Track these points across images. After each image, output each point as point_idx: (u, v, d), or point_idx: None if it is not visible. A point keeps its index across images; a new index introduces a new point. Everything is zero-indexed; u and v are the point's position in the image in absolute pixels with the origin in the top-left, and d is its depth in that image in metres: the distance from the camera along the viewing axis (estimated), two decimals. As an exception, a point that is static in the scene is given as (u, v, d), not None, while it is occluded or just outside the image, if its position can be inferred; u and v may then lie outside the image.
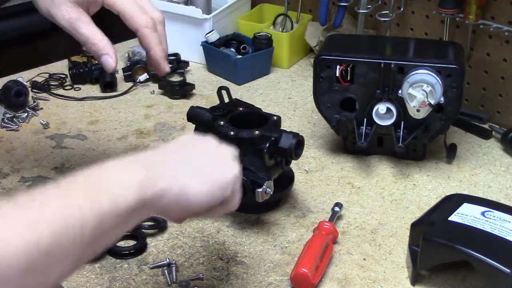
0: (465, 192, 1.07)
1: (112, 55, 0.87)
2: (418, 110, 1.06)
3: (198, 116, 1.02)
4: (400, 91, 1.07)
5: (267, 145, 0.95)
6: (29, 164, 1.15)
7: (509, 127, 1.21)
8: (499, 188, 1.09)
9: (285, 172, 1.02)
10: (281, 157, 0.97)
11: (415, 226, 0.91)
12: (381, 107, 1.08)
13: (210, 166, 0.72)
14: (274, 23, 1.56)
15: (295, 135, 0.95)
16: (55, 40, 2.00)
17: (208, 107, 1.04)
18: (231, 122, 0.99)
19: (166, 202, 0.65)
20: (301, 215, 1.03)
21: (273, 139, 0.95)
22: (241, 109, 1.04)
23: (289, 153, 0.95)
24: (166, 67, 0.91)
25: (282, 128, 1.01)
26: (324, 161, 1.17)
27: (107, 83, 1.41)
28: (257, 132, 0.96)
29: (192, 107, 1.04)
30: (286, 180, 1.03)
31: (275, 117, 1.01)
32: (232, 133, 0.96)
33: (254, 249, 0.96)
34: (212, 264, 0.93)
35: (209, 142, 0.76)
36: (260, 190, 0.92)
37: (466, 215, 0.88)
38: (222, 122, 0.99)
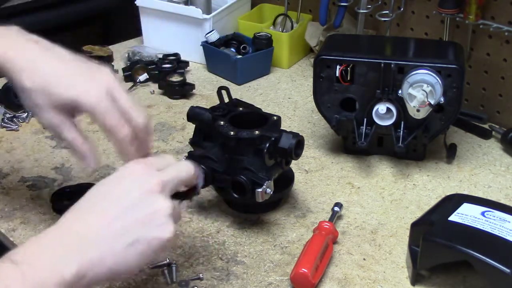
0: (465, 192, 1.07)
1: (92, 159, 0.85)
2: (418, 110, 1.05)
3: (198, 116, 1.02)
4: (400, 91, 1.07)
5: (267, 145, 0.95)
6: (29, 164, 1.15)
7: (509, 127, 1.21)
8: (499, 188, 1.10)
9: (285, 172, 1.02)
10: (281, 157, 0.97)
11: (415, 226, 0.91)
12: (381, 107, 1.08)
13: (143, 229, 0.69)
14: (274, 23, 1.56)
15: (295, 135, 0.96)
16: (55, 40, 2.00)
17: (208, 107, 1.04)
18: (231, 122, 0.99)
19: (97, 281, 0.67)
20: (301, 215, 1.03)
21: (273, 139, 0.95)
22: (241, 109, 1.04)
23: (289, 153, 0.95)
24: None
25: (282, 128, 1.01)
26: (324, 161, 1.17)
27: (107, 83, 1.41)
28: (257, 132, 0.96)
29: (192, 107, 1.04)
30: (286, 180, 1.03)
31: (275, 117, 1.01)
32: (232, 133, 0.96)
33: (254, 249, 0.96)
34: (212, 264, 0.93)
35: (143, 195, 0.71)
36: (260, 190, 0.92)
37: (466, 215, 0.88)
38: (222, 122, 0.99)
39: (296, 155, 0.96)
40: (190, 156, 0.99)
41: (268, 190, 0.93)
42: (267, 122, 1.00)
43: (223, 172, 0.96)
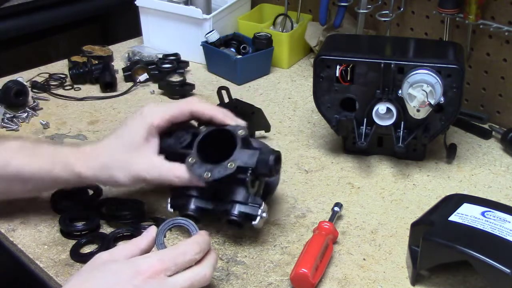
0: (465, 192, 1.07)
1: None
2: (418, 110, 1.06)
3: (169, 148, 0.95)
4: (400, 91, 1.07)
5: (248, 175, 0.90)
6: (29, 164, 1.15)
7: (509, 127, 1.21)
8: (499, 188, 1.10)
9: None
10: (263, 178, 0.93)
11: (415, 226, 0.91)
12: (381, 107, 1.08)
13: None
14: (274, 23, 1.56)
15: (269, 156, 0.90)
16: (55, 40, 2.01)
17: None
18: (200, 150, 0.93)
19: None
20: (301, 215, 1.03)
21: (250, 169, 0.90)
22: (202, 127, 0.96)
23: (270, 175, 0.91)
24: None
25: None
26: (324, 161, 1.17)
27: (107, 83, 1.41)
28: (231, 165, 0.90)
29: (162, 140, 0.95)
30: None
31: (241, 131, 0.92)
32: (205, 175, 0.90)
33: (254, 249, 0.96)
34: (212, 264, 0.92)
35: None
36: (256, 222, 0.90)
37: (466, 215, 0.88)
38: (192, 160, 0.92)
39: (276, 172, 0.92)
40: (174, 197, 0.95)
41: (264, 215, 0.91)
42: (235, 138, 0.92)
43: (212, 209, 0.93)
